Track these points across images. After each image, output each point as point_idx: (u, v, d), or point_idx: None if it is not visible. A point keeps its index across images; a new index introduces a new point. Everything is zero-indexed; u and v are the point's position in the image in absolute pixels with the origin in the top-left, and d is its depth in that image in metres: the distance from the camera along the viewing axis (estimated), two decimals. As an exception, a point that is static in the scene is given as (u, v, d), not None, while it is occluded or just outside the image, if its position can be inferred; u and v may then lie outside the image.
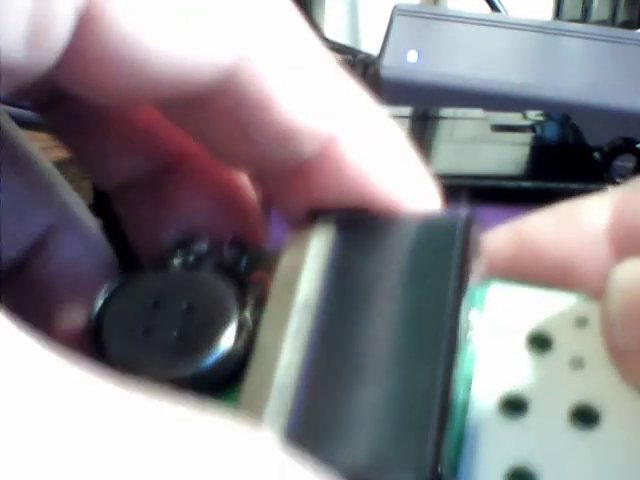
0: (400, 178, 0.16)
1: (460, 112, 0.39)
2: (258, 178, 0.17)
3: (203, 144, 0.17)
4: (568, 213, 0.17)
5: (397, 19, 0.50)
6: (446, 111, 0.39)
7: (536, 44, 0.50)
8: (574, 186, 0.30)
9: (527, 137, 0.37)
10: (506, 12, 0.56)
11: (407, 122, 0.38)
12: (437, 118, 0.38)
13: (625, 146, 0.38)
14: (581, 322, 0.15)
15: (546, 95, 0.44)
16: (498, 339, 0.15)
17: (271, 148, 0.15)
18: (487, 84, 0.45)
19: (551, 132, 0.37)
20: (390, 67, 0.46)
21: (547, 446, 0.14)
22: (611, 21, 0.61)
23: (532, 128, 0.37)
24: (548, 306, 0.16)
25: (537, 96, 0.44)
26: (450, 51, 0.48)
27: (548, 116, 0.39)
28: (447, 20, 0.51)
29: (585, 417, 0.14)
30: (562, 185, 0.31)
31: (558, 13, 0.62)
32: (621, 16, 0.61)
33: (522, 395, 0.14)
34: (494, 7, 0.55)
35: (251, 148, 0.16)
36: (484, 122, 0.38)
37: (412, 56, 0.46)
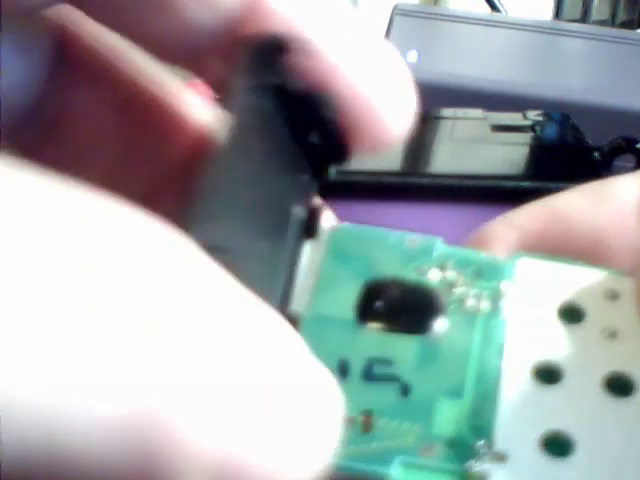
0: (328, 25, 0.15)
1: (460, 112, 0.39)
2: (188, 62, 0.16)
3: (125, 33, 0.16)
4: (599, 190, 0.17)
5: (397, 19, 0.50)
6: (446, 111, 0.39)
7: (536, 44, 0.50)
8: (574, 186, 0.30)
9: (527, 137, 0.37)
10: (506, 12, 0.56)
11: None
12: (437, 118, 0.38)
13: (625, 146, 0.38)
14: (613, 295, 0.15)
15: (546, 95, 0.44)
16: (529, 310, 0.15)
17: (191, 10, 0.15)
18: (487, 84, 0.45)
19: (551, 132, 0.38)
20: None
21: (581, 414, 0.14)
22: (611, 21, 0.61)
23: (532, 128, 0.37)
24: (579, 279, 0.15)
25: (537, 96, 0.44)
26: (450, 51, 0.48)
27: (548, 116, 0.39)
28: (447, 20, 0.51)
29: (619, 387, 0.14)
30: (562, 185, 0.31)
31: (558, 13, 0.62)
32: (621, 16, 0.61)
33: (555, 364, 0.14)
34: (494, 7, 0.56)
35: (171, 20, 0.15)
36: (484, 122, 0.38)
37: (412, 56, 0.46)
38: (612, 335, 0.15)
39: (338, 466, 0.14)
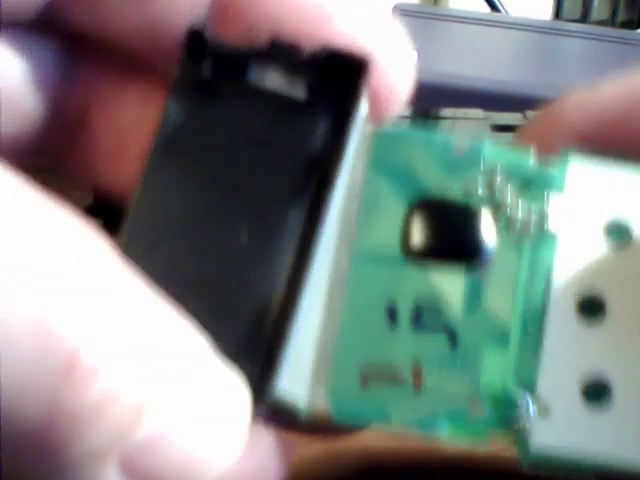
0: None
1: (460, 112, 0.39)
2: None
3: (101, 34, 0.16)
4: None
5: (397, 19, 0.50)
6: (446, 111, 0.39)
7: (536, 44, 0.50)
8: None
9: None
10: (506, 12, 0.56)
11: (407, 122, 0.38)
12: (437, 118, 0.38)
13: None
14: None
15: (546, 95, 0.44)
16: (578, 229, 0.15)
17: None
18: (487, 84, 0.45)
19: (551, 132, 0.37)
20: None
21: (623, 356, 0.14)
22: (611, 21, 0.61)
23: (532, 128, 0.37)
24: (632, 190, 0.15)
25: (537, 96, 0.44)
26: (450, 51, 0.48)
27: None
28: (447, 20, 0.51)
29: None
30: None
31: (558, 13, 0.62)
32: (621, 16, 0.61)
33: (600, 297, 0.14)
34: (494, 7, 0.56)
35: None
36: (484, 122, 0.38)
37: (412, 56, 0.46)
38: None
39: (391, 427, 0.14)
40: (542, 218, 0.15)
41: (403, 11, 0.51)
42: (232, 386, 0.13)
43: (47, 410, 0.11)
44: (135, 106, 0.17)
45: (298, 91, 0.15)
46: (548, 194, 0.15)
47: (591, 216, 0.15)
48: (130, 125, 0.17)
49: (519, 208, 0.15)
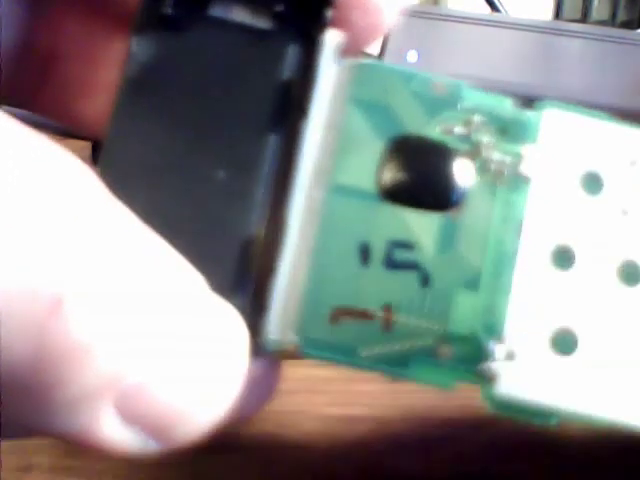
0: None
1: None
2: None
3: None
4: None
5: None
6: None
7: (536, 44, 0.50)
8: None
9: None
10: (506, 12, 0.56)
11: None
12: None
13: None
14: (634, 162, 0.14)
15: (546, 95, 0.44)
16: (551, 178, 0.15)
17: None
18: (487, 84, 0.45)
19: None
20: (390, 67, 0.46)
21: (590, 306, 0.14)
22: (611, 21, 0.61)
23: (532, 128, 0.37)
24: (608, 140, 0.15)
25: (537, 96, 0.44)
26: (450, 51, 0.48)
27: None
28: (447, 20, 0.51)
29: (631, 274, 0.14)
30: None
31: (558, 13, 0.62)
32: (621, 16, 0.61)
33: (570, 247, 0.14)
34: (494, 7, 0.55)
35: None
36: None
37: (412, 56, 0.46)
38: (625, 213, 0.14)
39: (359, 365, 0.14)
40: (517, 162, 0.15)
41: (403, 11, 0.50)
42: (230, 321, 0.13)
43: (34, 350, 0.11)
44: (104, 40, 0.17)
45: (264, 22, 0.14)
46: (523, 139, 0.15)
47: (565, 165, 0.15)
48: (100, 60, 0.17)
49: (495, 150, 0.15)
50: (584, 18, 0.61)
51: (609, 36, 0.50)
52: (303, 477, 0.27)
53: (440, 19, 0.51)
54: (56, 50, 0.17)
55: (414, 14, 0.52)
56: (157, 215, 0.13)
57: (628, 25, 0.60)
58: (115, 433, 0.13)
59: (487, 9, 0.56)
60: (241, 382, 0.13)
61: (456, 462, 0.29)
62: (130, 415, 0.12)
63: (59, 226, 0.11)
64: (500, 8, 0.55)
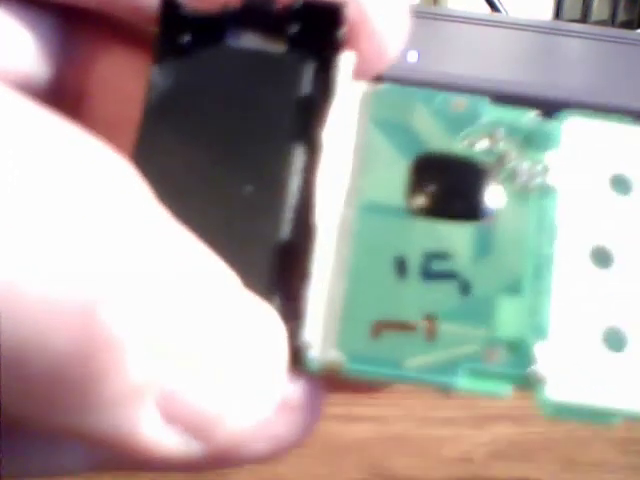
0: None
1: (460, 112, 0.39)
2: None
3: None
4: None
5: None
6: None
7: (536, 44, 0.50)
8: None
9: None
10: (506, 12, 0.56)
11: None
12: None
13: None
14: None
15: (546, 95, 0.44)
16: (579, 182, 0.15)
17: None
18: (487, 84, 0.45)
19: (551, 132, 0.37)
20: (390, 67, 0.46)
21: (634, 302, 0.14)
22: (611, 21, 0.61)
23: (532, 128, 0.37)
24: (629, 143, 0.15)
25: (537, 96, 0.44)
26: (450, 51, 0.48)
27: (548, 116, 0.39)
28: (447, 20, 0.51)
29: None
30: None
31: (558, 13, 0.62)
32: (621, 16, 0.61)
33: (607, 246, 0.14)
34: (494, 7, 0.55)
35: None
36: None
37: (412, 56, 0.46)
38: None
39: (404, 378, 0.14)
40: (544, 169, 0.15)
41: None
42: (269, 321, 0.13)
43: (81, 341, 0.11)
44: (134, 78, 0.17)
45: (278, 46, 0.15)
46: (548, 148, 0.15)
47: (592, 168, 0.15)
48: (130, 97, 0.17)
49: (520, 160, 0.15)
50: (584, 18, 0.61)
51: (609, 36, 0.50)
52: (303, 477, 0.27)
53: (440, 19, 0.51)
54: (86, 89, 0.17)
55: (414, 14, 0.52)
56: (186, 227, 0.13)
57: (628, 25, 0.60)
58: (157, 433, 0.12)
59: (487, 9, 0.56)
60: (284, 378, 0.13)
61: (456, 462, 0.29)
62: (172, 414, 0.12)
63: (102, 225, 0.11)
64: (500, 8, 0.55)
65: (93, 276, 0.11)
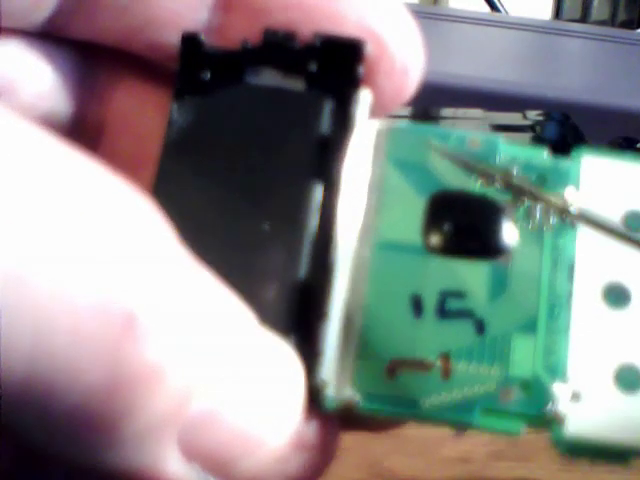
0: None
1: (460, 112, 0.39)
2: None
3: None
4: None
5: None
6: (446, 111, 0.39)
7: (536, 44, 0.50)
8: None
9: (527, 137, 0.37)
10: (506, 12, 0.56)
11: (407, 121, 0.38)
12: (437, 118, 0.38)
13: (625, 146, 0.38)
14: None
15: (546, 95, 0.44)
16: (596, 221, 0.15)
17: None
18: (487, 84, 0.45)
19: (551, 132, 0.37)
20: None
21: None
22: (611, 21, 0.61)
23: (532, 128, 0.37)
24: None
25: (537, 96, 0.44)
26: (450, 51, 0.48)
27: (548, 116, 0.39)
28: (447, 20, 0.51)
29: None
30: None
31: (558, 13, 0.62)
32: (621, 16, 0.61)
33: (623, 285, 0.14)
34: (494, 7, 0.56)
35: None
36: (484, 122, 0.38)
37: (412, 56, 0.46)
38: None
39: (419, 416, 0.14)
40: (559, 208, 0.15)
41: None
42: (285, 358, 0.13)
43: (109, 374, 0.11)
44: (153, 114, 0.17)
45: (297, 83, 0.15)
46: (563, 186, 0.15)
47: (608, 207, 0.15)
48: (149, 133, 0.17)
49: (536, 198, 0.15)
50: (584, 18, 0.61)
51: (609, 36, 0.50)
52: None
53: (440, 19, 0.51)
54: (106, 124, 0.17)
55: (414, 14, 0.52)
56: (204, 264, 0.13)
57: (628, 25, 0.60)
58: (179, 469, 0.12)
59: (487, 9, 0.56)
60: (301, 417, 0.13)
61: (456, 462, 0.29)
62: (192, 450, 0.12)
63: (121, 263, 0.12)
64: (500, 8, 0.55)
65: (120, 311, 0.11)
